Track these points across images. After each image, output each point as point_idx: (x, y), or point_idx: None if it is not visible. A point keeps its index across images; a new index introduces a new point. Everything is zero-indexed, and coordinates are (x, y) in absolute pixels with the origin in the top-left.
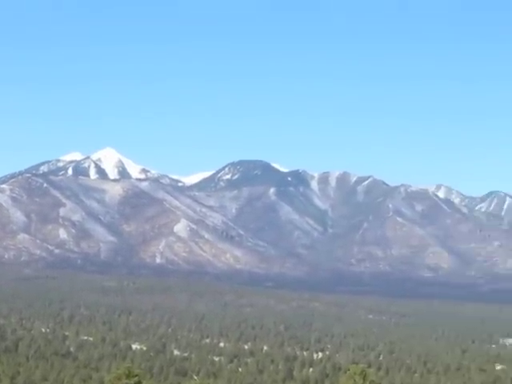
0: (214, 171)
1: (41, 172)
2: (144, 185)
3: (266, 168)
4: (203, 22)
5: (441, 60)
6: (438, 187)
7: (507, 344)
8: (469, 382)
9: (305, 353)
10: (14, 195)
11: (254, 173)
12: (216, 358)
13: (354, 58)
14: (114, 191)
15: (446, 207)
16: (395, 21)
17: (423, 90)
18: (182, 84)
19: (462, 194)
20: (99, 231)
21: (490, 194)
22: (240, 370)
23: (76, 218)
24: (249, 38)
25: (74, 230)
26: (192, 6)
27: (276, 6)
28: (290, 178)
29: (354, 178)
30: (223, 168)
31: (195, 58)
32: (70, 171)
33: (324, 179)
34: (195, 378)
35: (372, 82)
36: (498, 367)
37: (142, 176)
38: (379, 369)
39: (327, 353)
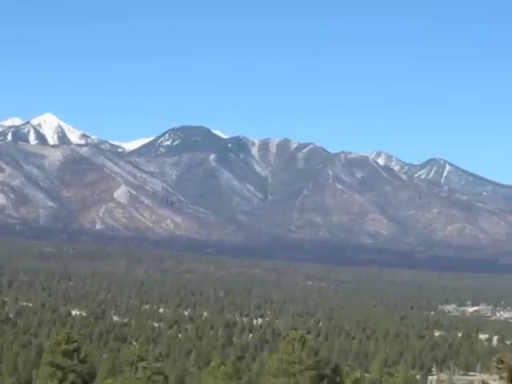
0: (154, 137)
1: None
2: (84, 150)
3: (207, 134)
4: None
5: (377, 29)
6: (378, 154)
7: (445, 310)
8: (408, 348)
9: (244, 319)
10: None
11: (194, 139)
12: (156, 324)
13: (290, 28)
14: (54, 157)
15: (385, 174)
16: None
17: (362, 56)
18: (122, 49)
19: (401, 161)
20: (38, 197)
21: (430, 161)
22: (180, 335)
23: (15, 183)
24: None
25: (12, 196)
26: None
27: None
28: (230, 145)
29: (295, 145)
30: (163, 134)
31: (135, 22)
32: (9, 136)
33: (264, 146)
34: (134, 343)
35: (312, 51)
36: (437, 333)
37: (82, 142)
38: (318, 335)
39: (267, 319)
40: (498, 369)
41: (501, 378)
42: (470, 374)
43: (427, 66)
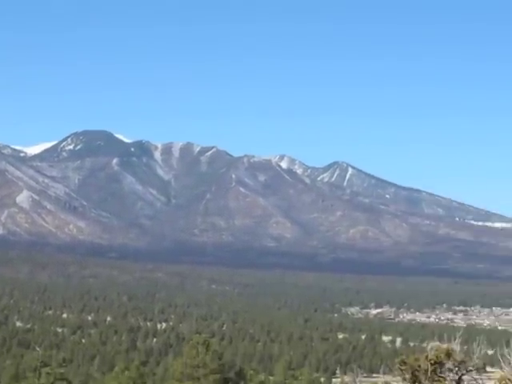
0: (56, 141)
1: None
2: None
3: (110, 138)
4: None
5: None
6: (281, 157)
7: (349, 313)
8: (312, 350)
9: (148, 323)
10: None
11: (97, 143)
12: (59, 330)
13: (189, 31)
14: None
15: (288, 177)
16: None
17: (263, 58)
18: (23, 52)
19: (304, 165)
20: None
21: (333, 164)
22: (83, 341)
23: None
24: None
25: None
26: None
27: None
28: (133, 149)
29: (198, 149)
30: (66, 138)
31: (29, 29)
32: None
33: (167, 150)
34: (38, 349)
35: (214, 53)
36: (341, 336)
37: None
38: (222, 338)
39: (171, 323)
40: (401, 370)
41: (403, 379)
42: (374, 375)
43: (326, 66)
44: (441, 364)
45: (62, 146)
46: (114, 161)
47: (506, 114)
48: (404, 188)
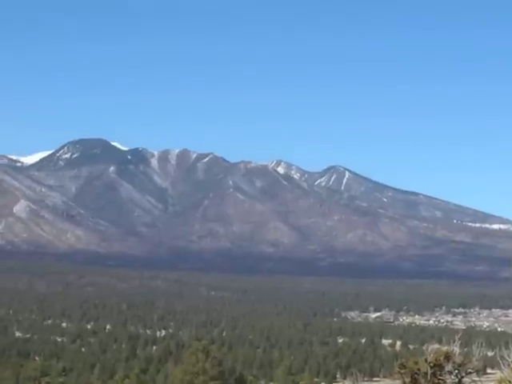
0: (53, 150)
1: None
2: None
3: (106, 146)
4: None
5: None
6: (278, 163)
7: (349, 317)
8: (312, 355)
9: (148, 331)
10: None
11: (93, 151)
12: (59, 339)
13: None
14: None
15: (285, 183)
16: None
17: (259, 66)
18: (17, 60)
19: (301, 169)
20: None
21: (330, 168)
22: (83, 349)
23: None
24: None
25: None
26: None
27: None
28: (129, 157)
29: (194, 155)
30: (62, 147)
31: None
32: None
33: (164, 157)
34: (37, 359)
35: (210, 59)
36: (340, 340)
37: None
38: (222, 345)
39: (170, 330)
40: (401, 374)
41: (404, 382)
42: (374, 379)
43: (321, 70)
44: (440, 367)
45: (58, 154)
46: (111, 169)
47: (504, 115)
48: (401, 191)
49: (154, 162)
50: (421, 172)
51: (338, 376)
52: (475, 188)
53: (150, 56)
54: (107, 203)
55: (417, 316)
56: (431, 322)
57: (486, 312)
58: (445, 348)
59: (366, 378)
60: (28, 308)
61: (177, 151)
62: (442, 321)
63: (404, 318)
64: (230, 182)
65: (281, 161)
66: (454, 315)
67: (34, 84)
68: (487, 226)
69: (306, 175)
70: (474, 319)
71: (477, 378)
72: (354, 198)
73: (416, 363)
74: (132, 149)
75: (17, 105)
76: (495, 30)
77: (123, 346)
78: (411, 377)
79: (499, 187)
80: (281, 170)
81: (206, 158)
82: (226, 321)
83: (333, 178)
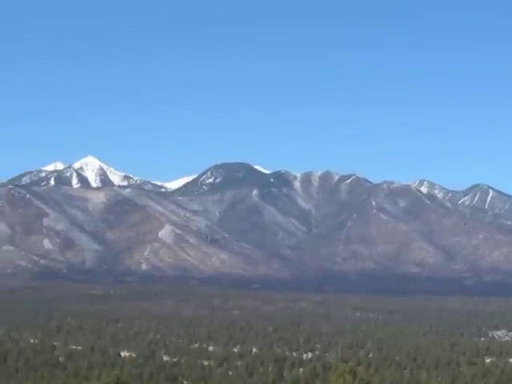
0: (196, 175)
1: (23, 183)
2: (127, 192)
3: (249, 170)
4: None
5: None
6: (421, 183)
7: (496, 337)
8: (459, 376)
9: (294, 353)
10: None
11: (236, 175)
12: (205, 363)
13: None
14: (97, 199)
15: (429, 202)
16: None
17: (397, 84)
18: (153, 90)
19: (444, 189)
20: (84, 240)
21: (473, 187)
22: (230, 373)
23: (60, 227)
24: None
25: (58, 240)
26: None
27: None
28: (272, 180)
29: (337, 177)
30: (205, 172)
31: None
32: (52, 181)
33: (307, 179)
34: (185, 383)
35: (359, 81)
36: (488, 360)
37: (125, 183)
38: (369, 366)
39: (316, 352)
40: None
41: None
42: None
43: (473, 91)
44: None
45: (201, 179)
46: (254, 192)
47: None
48: None
49: (297, 185)
50: None
51: None
52: None
53: (295, 74)
54: (251, 226)
55: None
56: None
57: None
58: None
59: None
60: (175, 332)
61: (319, 173)
62: None
63: None
64: (373, 203)
65: (424, 180)
66: None
67: (179, 113)
68: None
69: (450, 194)
70: None
71: None
72: (498, 217)
73: None
74: (274, 172)
75: (160, 133)
76: None
77: (270, 368)
78: None
79: None
80: (424, 189)
81: (349, 180)
82: (372, 342)
83: (476, 197)
